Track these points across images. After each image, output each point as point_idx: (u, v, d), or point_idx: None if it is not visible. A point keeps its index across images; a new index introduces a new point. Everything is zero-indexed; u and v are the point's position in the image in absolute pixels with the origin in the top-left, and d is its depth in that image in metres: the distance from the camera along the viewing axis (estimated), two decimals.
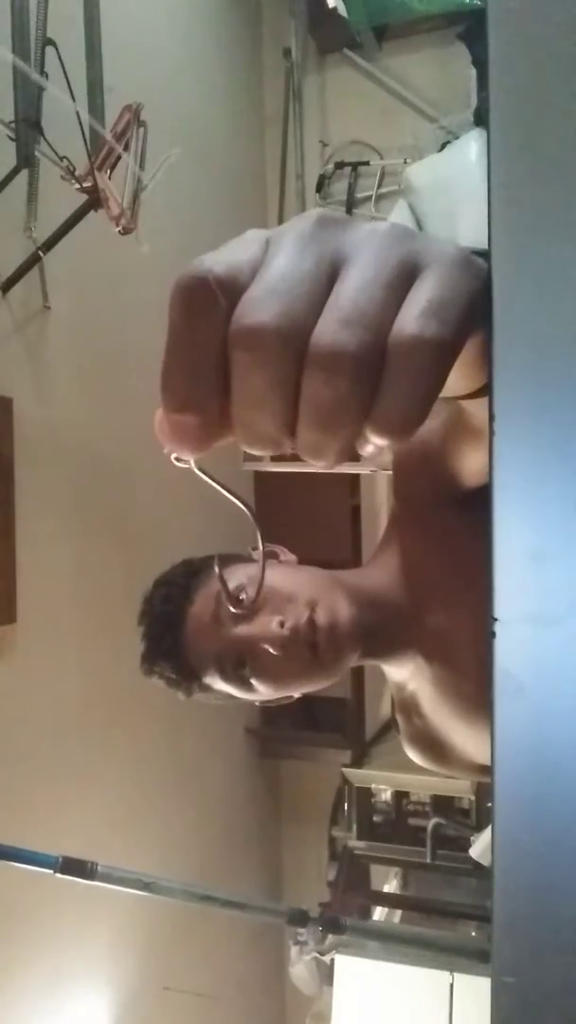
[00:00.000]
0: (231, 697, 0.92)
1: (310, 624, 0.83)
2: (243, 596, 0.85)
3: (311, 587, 0.87)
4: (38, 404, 2.41)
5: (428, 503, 0.89)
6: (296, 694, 0.94)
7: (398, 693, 0.98)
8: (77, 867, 0.78)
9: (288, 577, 0.89)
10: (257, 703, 0.95)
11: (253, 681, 0.87)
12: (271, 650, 0.83)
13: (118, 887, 0.79)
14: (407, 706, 0.96)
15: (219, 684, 0.90)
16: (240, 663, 0.86)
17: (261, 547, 0.50)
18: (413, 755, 0.99)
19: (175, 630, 0.90)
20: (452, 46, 3.59)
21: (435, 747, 0.96)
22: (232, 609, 0.83)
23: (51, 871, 0.77)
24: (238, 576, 0.87)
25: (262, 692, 0.89)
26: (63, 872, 0.76)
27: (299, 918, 0.82)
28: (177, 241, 3.17)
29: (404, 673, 0.94)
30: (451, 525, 0.86)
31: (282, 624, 0.83)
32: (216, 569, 0.84)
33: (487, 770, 0.98)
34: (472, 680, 0.86)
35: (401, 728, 0.99)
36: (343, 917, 0.88)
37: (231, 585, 0.85)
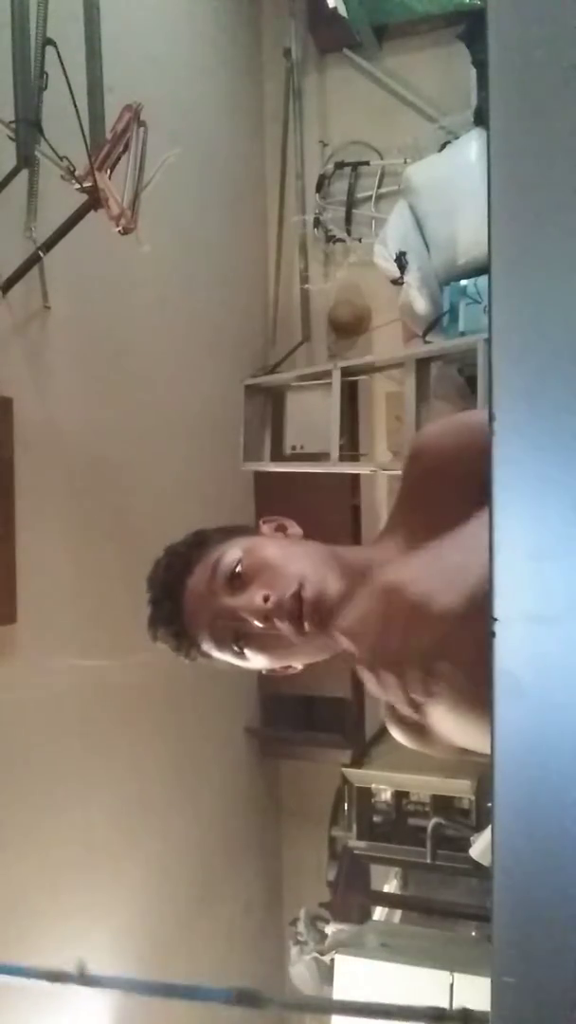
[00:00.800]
0: (233, 664, 0.94)
1: (295, 599, 0.84)
2: (238, 568, 0.88)
3: (303, 562, 0.88)
4: (38, 404, 2.41)
5: (447, 486, 0.89)
6: (297, 665, 0.95)
7: None
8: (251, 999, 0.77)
9: (284, 551, 0.91)
10: (263, 671, 0.97)
11: (247, 651, 0.89)
12: (254, 622, 0.85)
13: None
14: None
15: (215, 652, 0.92)
16: (235, 634, 0.89)
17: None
18: (393, 731, 1.01)
19: (174, 598, 0.92)
20: (452, 46, 3.59)
21: (416, 725, 0.97)
22: (229, 577, 0.86)
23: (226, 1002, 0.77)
24: (237, 548, 0.90)
25: (257, 662, 0.91)
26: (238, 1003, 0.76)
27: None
28: (177, 241, 3.18)
29: None
30: (457, 516, 0.85)
31: (266, 599, 0.85)
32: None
33: (463, 751, 0.97)
34: (462, 670, 0.86)
35: (384, 703, 1.00)
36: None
37: (231, 557, 0.88)
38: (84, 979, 0.82)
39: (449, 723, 0.92)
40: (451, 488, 0.87)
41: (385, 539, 0.97)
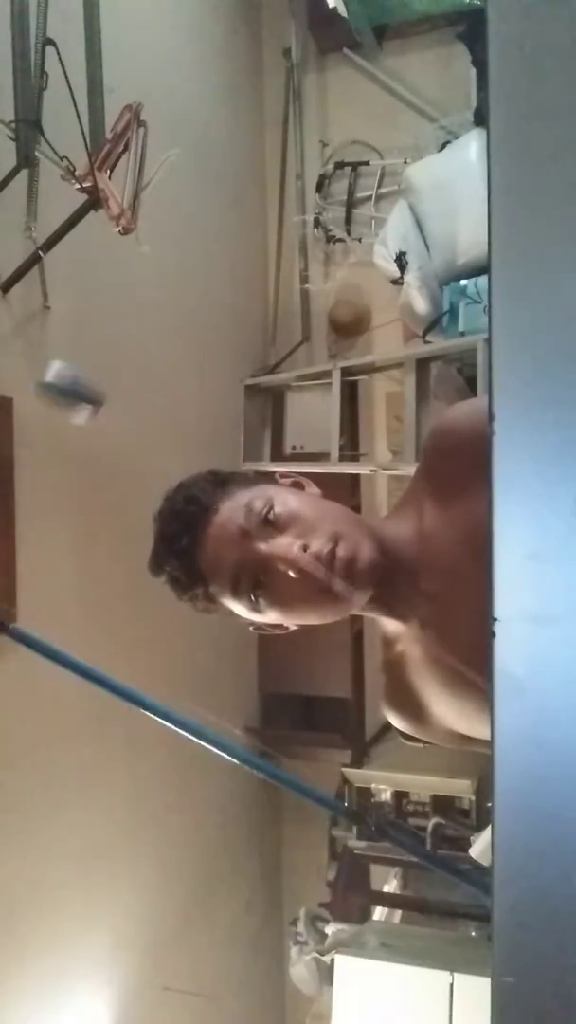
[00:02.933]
0: (230, 614, 0.91)
1: (331, 555, 0.83)
2: (271, 514, 0.85)
3: (337, 520, 0.87)
4: (38, 404, 2.41)
5: (454, 477, 0.89)
6: (293, 625, 0.93)
7: (386, 650, 0.98)
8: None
9: (316, 506, 0.89)
10: (251, 628, 0.94)
11: (262, 601, 0.86)
12: (290, 571, 0.83)
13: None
14: (393, 664, 0.96)
15: (226, 597, 0.89)
16: (256, 580, 0.86)
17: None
18: (390, 715, 0.99)
19: (194, 531, 0.87)
20: (452, 46, 3.59)
21: (414, 710, 0.96)
22: (262, 522, 0.84)
23: None
24: (269, 493, 0.88)
25: (267, 615, 0.88)
26: None
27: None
28: (177, 241, 3.18)
29: (399, 630, 0.94)
30: (471, 505, 0.85)
31: (305, 548, 0.83)
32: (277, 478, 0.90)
33: (462, 739, 0.98)
34: (461, 652, 0.86)
35: (384, 685, 0.99)
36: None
37: (263, 501, 0.85)
38: None
39: (444, 706, 0.92)
40: (468, 470, 0.85)
41: (402, 513, 0.96)
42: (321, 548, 0.83)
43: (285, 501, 0.87)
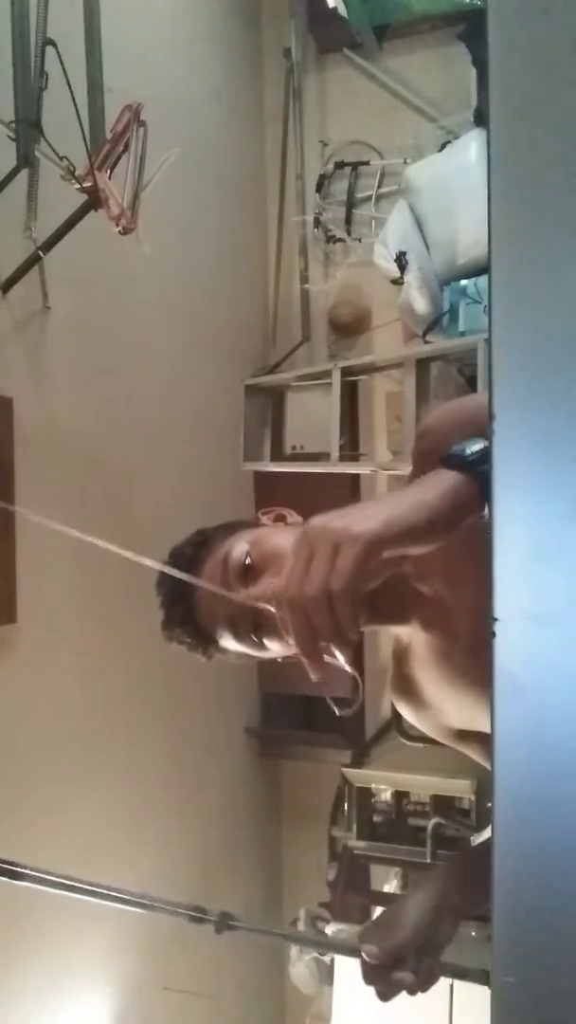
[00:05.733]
0: (249, 656, 0.96)
1: None
2: (248, 560, 0.89)
3: None
4: (38, 404, 2.41)
5: None
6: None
7: (396, 642, 1.01)
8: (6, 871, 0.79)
9: (290, 538, 0.91)
10: (279, 659, 0.98)
11: (264, 640, 0.91)
12: (273, 609, 0.86)
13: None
14: (400, 654, 1.00)
15: (233, 645, 0.93)
16: (252, 624, 0.90)
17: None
18: (396, 700, 1.03)
19: (187, 598, 0.93)
20: (452, 46, 3.59)
21: (417, 700, 0.99)
22: (242, 572, 0.88)
23: None
24: (243, 541, 0.92)
25: (275, 650, 0.92)
26: None
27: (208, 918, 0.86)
28: (177, 241, 3.18)
29: (403, 629, 0.97)
30: None
31: None
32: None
33: (461, 736, 1.00)
34: (464, 650, 0.87)
35: (391, 671, 1.03)
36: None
37: (239, 550, 0.90)
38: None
39: (445, 700, 0.95)
40: None
41: None
42: None
43: (261, 544, 0.90)
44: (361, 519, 0.66)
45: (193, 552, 0.95)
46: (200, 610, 0.93)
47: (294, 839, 4.02)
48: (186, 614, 0.94)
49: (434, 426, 0.94)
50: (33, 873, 0.76)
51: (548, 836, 0.33)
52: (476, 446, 0.68)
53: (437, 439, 0.91)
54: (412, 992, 0.89)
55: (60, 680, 2.48)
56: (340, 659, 0.70)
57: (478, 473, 0.66)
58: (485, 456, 0.65)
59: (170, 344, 3.14)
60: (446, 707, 0.96)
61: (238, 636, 0.91)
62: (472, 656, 0.86)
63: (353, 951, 0.92)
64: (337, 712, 0.99)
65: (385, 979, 0.89)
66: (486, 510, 0.66)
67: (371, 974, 0.89)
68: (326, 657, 0.68)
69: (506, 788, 0.33)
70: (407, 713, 1.03)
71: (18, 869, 0.77)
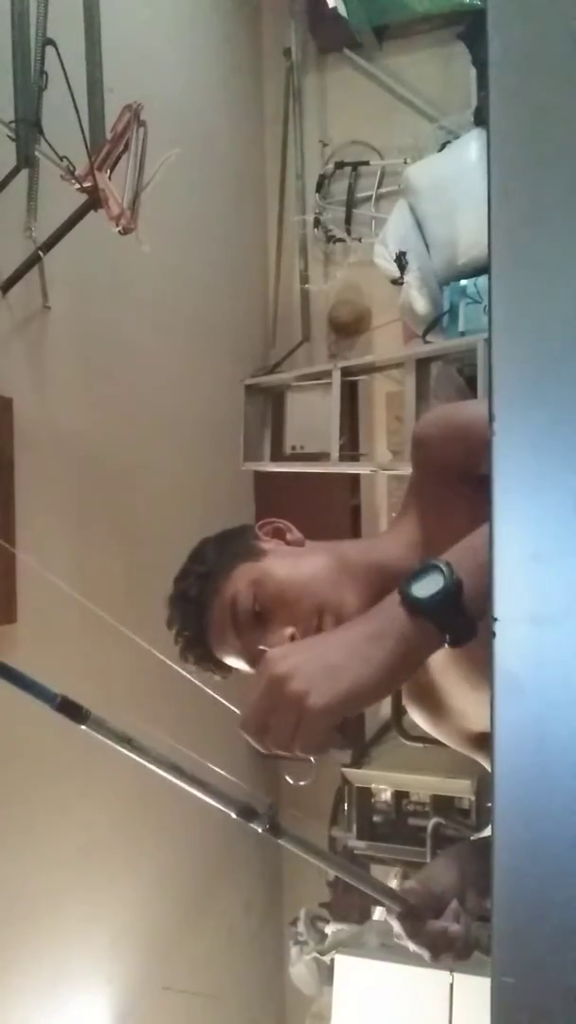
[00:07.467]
0: None
1: (319, 630, 0.86)
2: (257, 607, 0.90)
3: (317, 587, 0.89)
4: (38, 404, 2.41)
5: (448, 475, 0.91)
6: None
7: None
8: (73, 710, 0.83)
9: (293, 572, 0.92)
10: None
11: None
12: None
13: (104, 739, 0.83)
14: None
15: (249, 670, 0.95)
16: None
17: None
18: (412, 711, 1.04)
19: (201, 639, 0.96)
20: (452, 46, 3.59)
21: (435, 707, 1.00)
22: (243, 621, 0.91)
23: (50, 706, 0.82)
24: (247, 582, 0.91)
25: None
26: (60, 710, 0.81)
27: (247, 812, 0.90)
28: (177, 241, 3.18)
29: None
30: (468, 499, 0.87)
31: (293, 636, 0.87)
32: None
33: (478, 741, 1.01)
34: (483, 643, 0.87)
35: (405, 684, 1.03)
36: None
37: (245, 597, 0.91)
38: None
39: (463, 700, 0.96)
40: (443, 479, 0.91)
41: (398, 526, 0.99)
42: (307, 630, 0.88)
43: (263, 583, 0.90)
44: (323, 685, 0.68)
45: (198, 592, 0.96)
46: (215, 645, 0.96)
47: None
48: (204, 654, 0.97)
49: (425, 437, 0.96)
50: (97, 717, 0.80)
51: (548, 836, 0.33)
52: (433, 588, 0.67)
53: (429, 452, 0.94)
54: (459, 953, 0.88)
55: (60, 680, 2.46)
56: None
57: (439, 620, 0.67)
58: (445, 599, 0.67)
59: (170, 344, 3.14)
60: (469, 709, 0.96)
61: (254, 666, 0.93)
62: (480, 657, 0.87)
63: (394, 898, 0.91)
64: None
65: (427, 931, 0.88)
66: (447, 640, 0.68)
67: (414, 926, 0.89)
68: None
69: (506, 788, 0.33)
70: (424, 723, 1.03)
71: (84, 711, 0.81)
